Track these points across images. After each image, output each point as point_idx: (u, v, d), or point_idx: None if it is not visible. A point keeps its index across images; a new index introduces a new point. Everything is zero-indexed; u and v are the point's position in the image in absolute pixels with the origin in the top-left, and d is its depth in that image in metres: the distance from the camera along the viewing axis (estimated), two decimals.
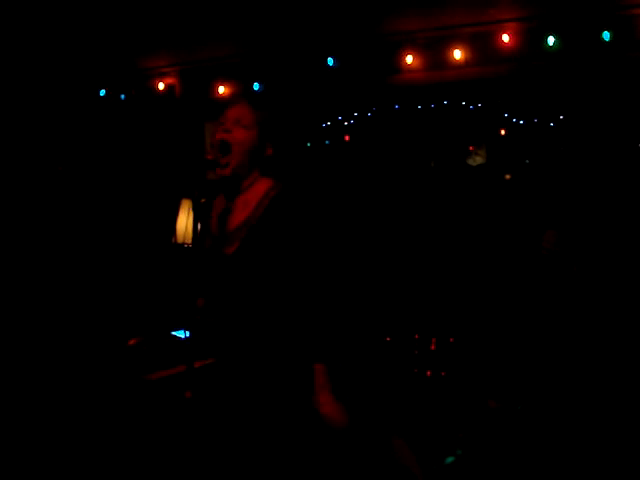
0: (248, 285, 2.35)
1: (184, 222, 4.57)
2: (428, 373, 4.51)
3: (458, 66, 4.77)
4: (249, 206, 2.42)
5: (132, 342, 3.78)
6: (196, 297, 2.52)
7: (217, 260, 2.46)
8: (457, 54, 4.73)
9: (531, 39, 4.54)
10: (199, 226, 2.46)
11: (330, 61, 5.13)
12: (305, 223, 2.37)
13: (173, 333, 3.89)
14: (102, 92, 6.01)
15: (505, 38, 4.57)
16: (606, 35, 4.31)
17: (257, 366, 2.33)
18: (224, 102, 5.69)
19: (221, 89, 5.67)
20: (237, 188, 2.45)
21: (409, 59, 4.88)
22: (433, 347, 4.61)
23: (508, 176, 5.67)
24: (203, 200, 2.55)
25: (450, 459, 3.85)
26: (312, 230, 2.37)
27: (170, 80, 5.91)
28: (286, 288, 2.31)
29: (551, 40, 4.46)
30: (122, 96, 6.03)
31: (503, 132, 5.72)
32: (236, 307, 2.38)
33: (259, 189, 2.43)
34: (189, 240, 4.53)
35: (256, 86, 5.42)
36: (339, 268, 2.45)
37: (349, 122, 5.82)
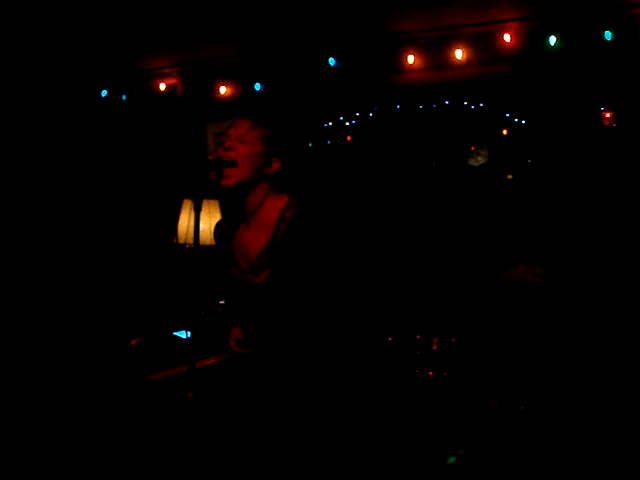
0: (285, 311, 2.34)
1: (186, 222, 4.57)
2: (430, 373, 4.51)
3: (460, 66, 4.77)
4: (267, 229, 2.41)
5: (133, 342, 3.78)
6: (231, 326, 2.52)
7: (248, 290, 2.44)
8: (459, 54, 4.72)
9: (533, 39, 4.53)
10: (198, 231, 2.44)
11: (331, 61, 5.13)
12: (327, 239, 2.36)
13: (174, 333, 3.89)
14: (104, 93, 6.02)
15: (507, 38, 4.57)
16: (608, 35, 4.31)
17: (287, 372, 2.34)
18: (226, 103, 5.71)
19: (222, 89, 5.67)
20: (243, 200, 2.44)
21: (411, 59, 4.88)
22: (435, 347, 4.61)
23: (510, 176, 5.66)
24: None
25: (452, 459, 3.84)
26: (334, 243, 2.36)
27: (171, 80, 5.92)
28: (321, 305, 2.31)
29: (553, 40, 4.45)
30: (124, 97, 6.03)
31: (505, 132, 5.71)
32: (276, 334, 2.37)
33: (273, 208, 2.41)
34: (191, 240, 4.53)
35: (257, 86, 5.42)
36: (356, 272, 2.46)
37: (351, 122, 5.82)
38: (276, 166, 2.43)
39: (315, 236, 2.33)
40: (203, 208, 4.32)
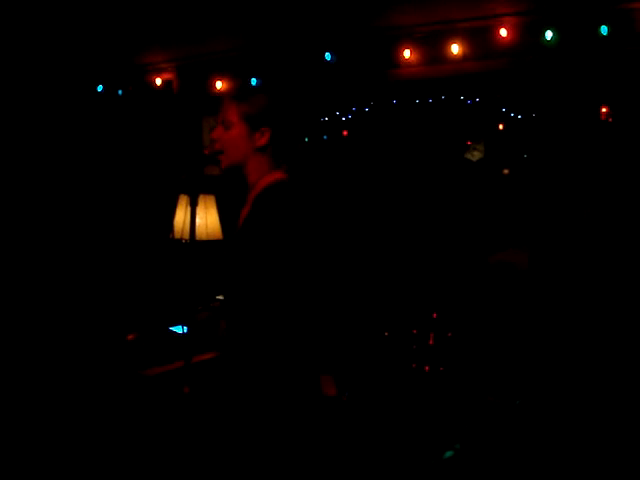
0: (240, 286, 2.34)
1: (182, 218, 4.56)
2: (426, 368, 4.51)
3: (456, 60, 4.76)
4: (249, 202, 2.43)
5: (130, 337, 3.78)
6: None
7: (226, 260, 2.46)
8: (455, 48, 4.72)
9: (529, 33, 4.53)
10: (196, 221, 2.45)
11: (327, 56, 5.12)
12: (288, 221, 2.31)
13: (171, 328, 3.89)
14: (100, 88, 6.01)
15: (503, 32, 4.56)
16: (604, 29, 4.30)
17: (252, 366, 2.31)
18: (222, 98, 5.70)
19: (219, 84, 5.66)
20: (245, 177, 2.45)
21: (407, 53, 4.87)
22: (431, 342, 4.62)
23: (506, 171, 5.67)
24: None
25: (449, 454, 3.85)
26: (299, 228, 2.32)
27: (167, 75, 5.91)
28: (275, 289, 2.28)
29: (549, 34, 4.45)
30: (119, 92, 6.02)
31: (501, 127, 5.72)
32: (235, 306, 2.37)
33: (261, 184, 2.42)
34: (187, 236, 4.53)
35: (253, 81, 5.41)
36: (335, 265, 2.43)
37: (347, 117, 5.82)
38: (267, 135, 2.42)
39: (270, 216, 2.31)
40: (199, 203, 4.32)
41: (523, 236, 4.97)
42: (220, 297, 4.33)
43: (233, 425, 2.39)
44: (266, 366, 2.27)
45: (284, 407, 2.27)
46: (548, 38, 4.45)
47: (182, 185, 2.41)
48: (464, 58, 4.72)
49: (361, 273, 5.22)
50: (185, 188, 2.43)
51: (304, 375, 2.27)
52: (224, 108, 2.43)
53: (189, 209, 4.59)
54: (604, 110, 4.83)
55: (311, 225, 2.36)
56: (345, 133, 6.01)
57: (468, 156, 5.72)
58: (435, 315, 4.75)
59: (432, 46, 4.81)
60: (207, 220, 4.67)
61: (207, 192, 4.71)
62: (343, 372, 2.27)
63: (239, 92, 2.45)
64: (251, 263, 2.29)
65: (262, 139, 2.41)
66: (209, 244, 4.53)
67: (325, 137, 5.89)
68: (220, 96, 5.63)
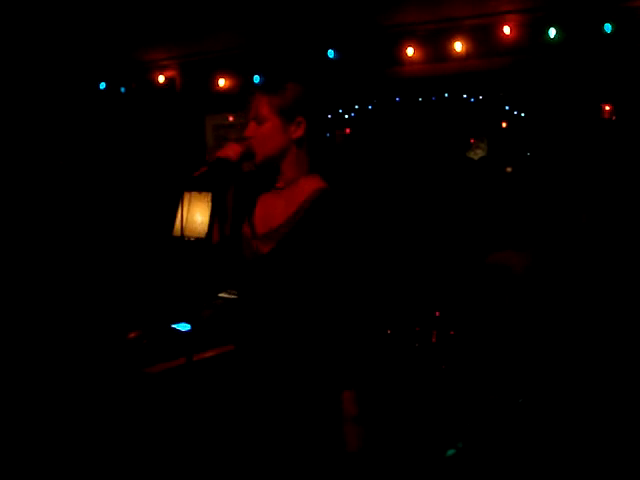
0: (276, 287, 2.30)
1: (185, 215, 4.56)
2: (429, 366, 4.51)
3: (459, 58, 4.75)
4: (294, 204, 2.35)
5: (132, 335, 3.77)
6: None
7: (251, 257, 2.39)
8: (458, 46, 4.71)
9: (532, 31, 4.52)
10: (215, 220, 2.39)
11: (331, 53, 5.11)
12: (347, 231, 2.29)
13: (173, 326, 3.89)
14: (102, 85, 6.01)
15: (506, 30, 4.56)
16: (608, 27, 4.29)
17: (273, 368, 2.29)
18: (225, 95, 5.69)
19: (221, 81, 5.66)
20: (278, 169, 2.38)
21: (410, 51, 4.87)
22: (434, 340, 4.61)
23: (509, 169, 5.66)
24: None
25: (451, 452, 3.85)
26: (353, 238, 2.30)
27: (170, 73, 5.91)
28: (317, 295, 2.26)
29: (552, 32, 4.44)
30: (122, 89, 6.02)
31: (504, 125, 5.71)
32: (263, 307, 2.34)
33: (305, 188, 2.35)
34: (189, 233, 4.53)
35: (256, 78, 5.41)
36: (362, 268, 2.39)
37: (350, 115, 5.81)
38: (303, 126, 2.35)
39: (334, 224, 2.27)
40: (199, 201, 4.31)
41: (524, 236, 4.97)
42: (223, 295, 4.32)
43: (236, 423, 2.39)
44: (298, 376, 2.26)
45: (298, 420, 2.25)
46: (552, 36, 4.45)
47: (201, 182, 2.31)
48: (467, 56, 4.72)
49: (367, 271, 5.21)
50: (202, 186, 2.36)
51: (326, 389, 2.24)
52: (254, 103, 2.35)
53: (190, 207, 4.59)
54: (607, 108, 4.82)
55: (362, 236, 2.34)
56: (348, 131, 6.01)
57: (471, 154, 5.72)
58: (438, 313, 4.75)
59: (435, 44, 4.81)
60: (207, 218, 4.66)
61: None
62: (366, 388, 2.24)
63: (269, 85, 2.38)
64: (306, 268, 2.26)
65: (299, 130, 2.34)
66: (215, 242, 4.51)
67: (328, 135, 5.88)
68: (224, 94, 5.64)
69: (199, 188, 2.38)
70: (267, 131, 2.33)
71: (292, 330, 2.27)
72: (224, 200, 2.38)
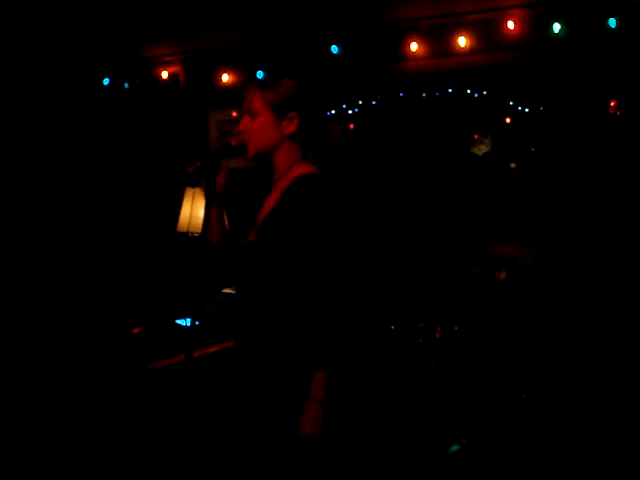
0: (255, 277, 2.31)
1: (188, 211, 4.57)
2: (432, 362, 4.51)
3: (463, 53, 4.74)
4: (279, 192, 2.36)
5: (136, 331, 3.78)
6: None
7: (236, 250, 2.43)
8: (462, 41, 4.69)
9: (536, 26, 4.50)
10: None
11: (334, 49, 5.10)
12: (321, 214, 2.24)
13: (177, 322, 3.89)
14: (106, 81, 6.01)
15: (510, 25, 4.54)
16: (612, 22, 4.28)
17: (258, 358, 2.29)
18: (228, 91, 5.68)
19: (225, 77, 5.65)
20: (271, 164, 2.40)
21: (413, 47, 4.85)
22: (438, 335, 4.61)
23: (513, 164, 5.66)
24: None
25: (455, 447, 3.85)
26: (331, 221, 2.25)
27: (174, 69, 5.90)
28: (292, 281, 2.26)
29: (557, 27, 4.42)
30: (126, 85, 6.02)
31: (508, 120, 5.70)
32: (252, 297, 2.34)
33: (292, 174, 2.36)
34: (193, 229, 4.53)
35: (260, 74, 5.40)
36: (349, 261, 2.37)
37: (353, 110, 5.80)
38: (295, 122, 2.35)
39: (299, 209, 2.25)
40: (203, 197, 4.32)
41: (528, 230, 4.96)
42: (227, 290, 4.33)
43: (233, 420, 2.39)
44: (271, 359, 2.26)
45: (278, 403, 2.24)
46: (556, 31, 4.43)
47: (196, 177, 2.32)
48: (471, 51, 4.70)
49: (369, 266, 5.21)
50: (199, 181, 2.36)
51: (299, 370, 2.22)
52: (248, 97, 2.37)
53: (194, 202, 4.59)
54: (612, 103, 4.81)
55: (342, 220, 2.31)
56: (352, 126, 6.00)
57: (475, 149, 5.71)
58: (441, 309, 4.75)
59: (439, 39, 4.79)
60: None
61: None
62: (339, 370, 2.20)
63: (262, 80, 2.39)
64: (278, 253, 2.26)
65: (291, 126, 2.35)
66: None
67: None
68: (227, 89, 5.63)
69: (193, 183, 2.38)
70: (259, 125, 2.35)
71: (268, 313, 2.27)
72: (214, 190, 2.40)
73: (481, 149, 5.77)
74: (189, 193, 4.60)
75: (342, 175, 5.44)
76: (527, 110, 5.40)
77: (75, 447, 3.48)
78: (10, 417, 3.63)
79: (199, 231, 4.42)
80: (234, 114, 5.76)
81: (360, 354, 4.11)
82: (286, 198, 2.31)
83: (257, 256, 2.31)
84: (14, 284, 4.89)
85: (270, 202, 2.39)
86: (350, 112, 5.86)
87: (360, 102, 5.75)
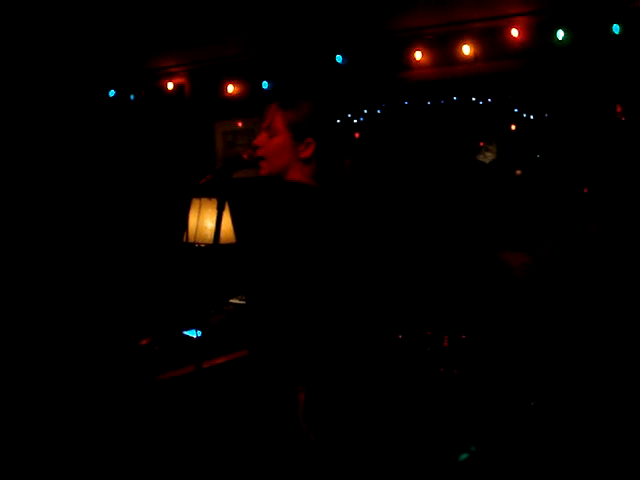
0: (251, 286, 2.34)
1: (194, 222, 4.57)
2: (440, 370, 4.50)
3: (467, 61, 4.75)
4: None
5: (143, 342, 3.78)
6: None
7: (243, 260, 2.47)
8: (466, 49, 4.71)
9: (540, 33, 4.51)
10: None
11: (339, 58, 5.12)
12: (288, 223, 2.28)
13: (184, 333, 3.90)
14: (112, 93, 6.04)
15: (514, 33, 4.55)
16: (616, 28, 4.28)
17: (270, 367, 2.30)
18: (234, 101, 5.71)
19: (230, 88, 5.68)
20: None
21: (418, 55, 4.87)
22: (445, 344, 4.60)
23: (519, 172, 5.65)
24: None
25: (464, 456, 3.84)
26: (321, 231, 2.27)
27: (179, 80, 5.93)
28: (285, 291, 2.26)
29: (561, 34, 4.43)
30: (132, 96, 6.04)
31: (513, 127, 5.69)
32: (255, 305, 2.37)
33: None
34: (200, 239, 4.54)
35: (265, 84, 5.42)
36: (350, 270, 2.38)
37: (358, 119, 5.81)
38: (311, 147, 2.37)
39: (274, 216, 2.31)
40: (209, 207, 4.31)
41: (533, 238, 4.95)
42: (234, 301, 4.33)
43: (246, 429, 2.39)
44: (284, 367, 2.26)
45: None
46: (560, 38, 4.44)
47: (206, 189, 2.34)
48: (475, 59, 4.72)
49: (376, 274, 5.20)
50: (211, 192, 2.38)
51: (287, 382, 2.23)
52: (269, 114, 2.38)
53: (201, 213, 4.59)
54: (617, 110, 4.81)
55: (345, 228, 2.33)
56: (357, 135, 6.00)
57: (480, 157, 5.71)
58: (449, 318, 4.74)
59: (443, 47, 4.81)
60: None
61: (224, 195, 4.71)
62: (317, 386, 2.20)
63: (285, 99, 2.40)
64: (266, 259, 2.29)
65: (307, 151, 2.37)
66: (223, 248, 4.53)
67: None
68: (233, 100, 5.65)
69: (199, 194, 2.38)
70: (277, 145, 2.37)
71: (273, 321, 2.28)
72: (224, 201, 2.43)
73: (487, 157, 5.76)
74: (195, 204, 4.61)
75: (346, 187, 5.45)
76: (532, 117, 5.39)
77: (83, 459, 3.48)
78: (17, 427, 3.63)
79: (206, 242, 4.43)
80: (240, 124, 5.77)
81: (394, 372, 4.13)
82: (264, 205, 2.37)
83: (247, 262, 2.35)
84: (22, 294, 4.90)
85: None
86: (355, 121, 5.87)
87: (365, 111, 5.75)
